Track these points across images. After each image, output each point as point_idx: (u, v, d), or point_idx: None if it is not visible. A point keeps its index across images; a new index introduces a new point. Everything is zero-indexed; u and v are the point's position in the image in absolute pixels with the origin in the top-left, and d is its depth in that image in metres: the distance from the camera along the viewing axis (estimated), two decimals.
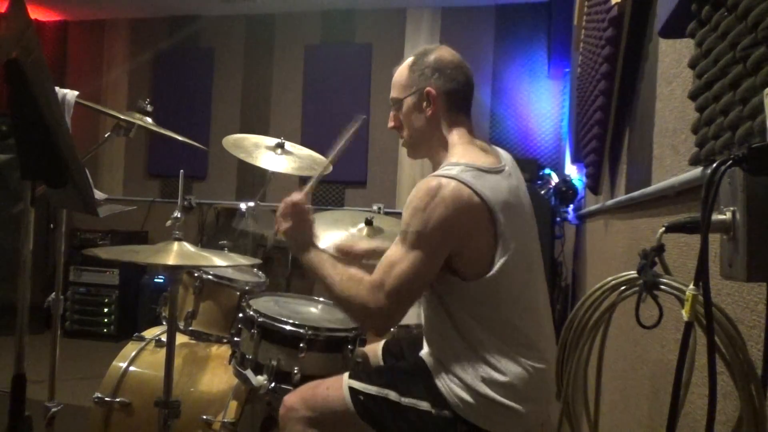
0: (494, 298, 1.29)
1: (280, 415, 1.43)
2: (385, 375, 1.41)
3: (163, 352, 1.60)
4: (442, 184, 1.25)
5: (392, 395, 1.34)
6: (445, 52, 1.44)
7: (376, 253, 1.80)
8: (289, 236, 1.46)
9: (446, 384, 1.32)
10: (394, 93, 1.48)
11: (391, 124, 1.50)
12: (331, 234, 2.21)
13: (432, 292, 1.36)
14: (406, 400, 1.33)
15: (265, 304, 1.79)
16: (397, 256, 1.28)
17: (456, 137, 1.41)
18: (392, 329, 1.88)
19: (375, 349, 1.72)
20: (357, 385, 1.37)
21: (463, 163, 1.31)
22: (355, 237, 2.19)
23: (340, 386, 1.38)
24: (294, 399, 1.42)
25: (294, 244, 1.45)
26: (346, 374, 1.42)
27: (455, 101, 1.42)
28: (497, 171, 1.34)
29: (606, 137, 2.00)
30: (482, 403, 1.28)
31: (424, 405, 1.32)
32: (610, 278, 0.84)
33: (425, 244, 1.25)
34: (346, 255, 1.89)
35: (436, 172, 1.32)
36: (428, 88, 1.40)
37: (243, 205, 2.51)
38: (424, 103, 1.41)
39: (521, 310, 1.32)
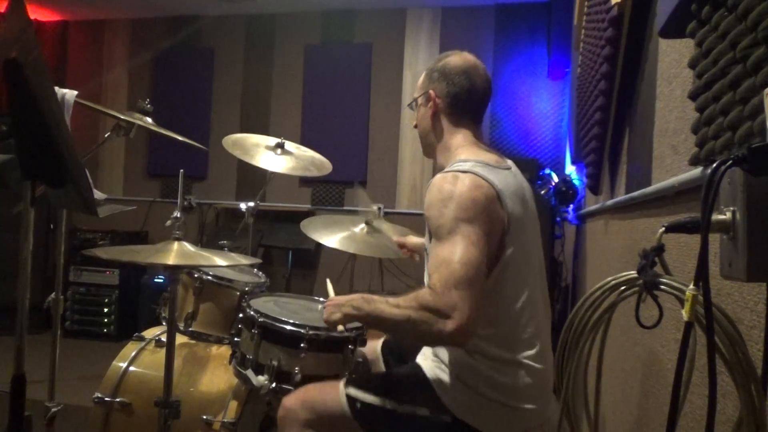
0: (498, 295, 1.29)
1: (278, 417, 1.43)
2: (383, 383, 1.41)
3: (163, 352, 1.60)
4: (458, 175, 1.29)
5: (389, 404, 1.34)
6: (456, 58, 1.49)
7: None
8: (342, 311, 1.38)
9: (445, 388, 1.32)
10: (413, 94, 1.58)
11: (413, 123, 1.60)
12: (332, 234, 2.22)
13: None
14: (403, 409, 1.33)
15: (265, 304, 1.78)
16: (445, 252, 1.21)
17: (460, 139, 1.46)
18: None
19: (374, 347, 1.72)
20: (354, 392, 1.37)
21: (473, 160, 1.35)
22: (357, 236, 2.20)
23: (337, 392, 1.39)
24: (292, 401, 1.43)
25: (345, 312, 1.37)
26: (343, 381, 1.42)
27: (457, 104, 1.47)
28: (505, 168, 1.39)
29: (606, 137, 2.00)
30: (482, 404, 1.28)
31: (423, 412, 1.32)
32: (610, 278, 0.84)
33: (467, 225, 1.22)
34: (402, 247, 1.99)
35: (447, 168, 1.35)
36: (430, 90, 1.49)
37: (243, 205, 2.51)
38: (430, 104, 1.49)
39: (522, 308, 1.32)
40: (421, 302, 1.18)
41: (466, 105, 1.47)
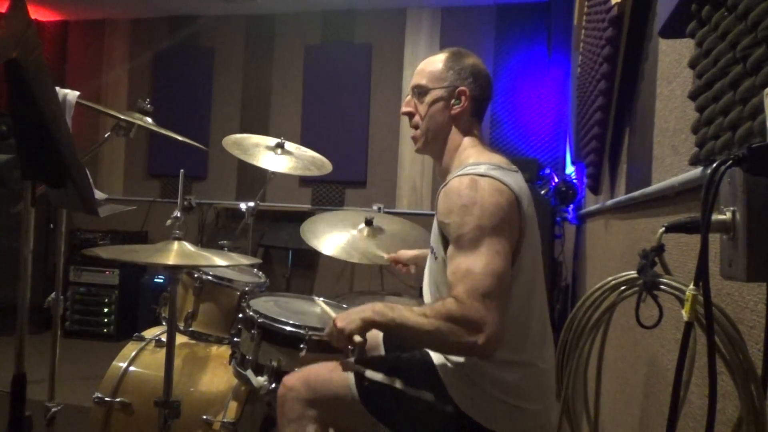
0: (510, 299, 1.27)
1: (278, 395, 1.42)
2: (391, 364, 1.41)
3: (163, 352, 1.60)
4: (477, 179, 1.26)
5: (397, 383, 1.34)
6: (477, 61, 1.47)
7: (420, 257, 1.79)
8: (361, 317, 1.29)
9: (450, 379, 1.32)
10: (421, 80, 1.46)
11: (406, 109, 1.49)
12: (332, 234, 2.22)
13: (445, 290, 1.34)
14: (410, 390, 1.33)
15: (265, 305, 1.79)
16: (469, 262, 1.18)
17: (468, 142, 1.43)
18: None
19: (375, 334, 1.70)
20: (362, 371, 1.37)
21: (485, 162, 1.33)
22: (357, 238, 2.20)
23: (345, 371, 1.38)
24: (294, 379, 1.42)
25: (365, 317, 1.28)
26: (352, 359, 1.41)
27: (478, 109, 1.46)
28: (513, 170, 1.38)
29: (606, 137, 2.00)
30: (488, 402, 1.28)
31: (428, 396, 1.32)
32: (610, 278, 0.84)
33: (491, 234, 1.19)
34: (396, 263, 1.94)
35: (462, 171, 1.31)
36: (463, 88, 1.42)
37: (243, 205, 2.51)
38: (453, 101, 1.43)
39: (531, 310, 1.32)
40: (449, 313, 1.15)
41: (483, 110, 1.47)
